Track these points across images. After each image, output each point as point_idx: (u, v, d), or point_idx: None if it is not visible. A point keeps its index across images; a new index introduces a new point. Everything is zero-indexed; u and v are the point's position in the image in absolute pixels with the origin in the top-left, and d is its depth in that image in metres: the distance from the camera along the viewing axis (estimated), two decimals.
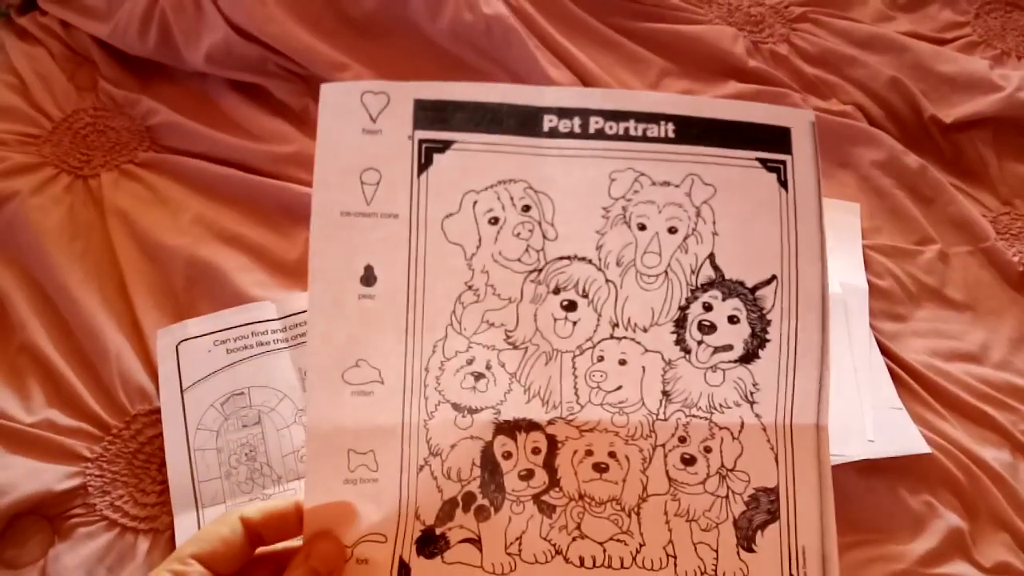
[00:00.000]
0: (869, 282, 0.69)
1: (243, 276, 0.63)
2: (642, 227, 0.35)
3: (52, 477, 0.53)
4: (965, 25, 0.89)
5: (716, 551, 0.34)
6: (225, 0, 0.74)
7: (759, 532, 0.34)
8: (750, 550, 0.34)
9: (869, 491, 0.57)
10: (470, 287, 0.34)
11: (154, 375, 0.58)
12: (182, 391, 0.56)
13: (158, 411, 0.56)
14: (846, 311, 0.65)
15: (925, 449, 0.58)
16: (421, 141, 0.34)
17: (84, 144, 0.72)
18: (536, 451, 0.34)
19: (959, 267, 0.72)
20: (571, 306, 0.35)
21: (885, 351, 0.65)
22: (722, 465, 0.35)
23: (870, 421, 0.58)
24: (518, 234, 0.35)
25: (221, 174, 0.70)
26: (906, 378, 0.63)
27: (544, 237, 0.35)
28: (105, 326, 0.60)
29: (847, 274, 0.68)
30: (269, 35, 0.74)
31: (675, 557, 0.34)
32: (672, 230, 0.35)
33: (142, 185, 0.70)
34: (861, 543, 0.55)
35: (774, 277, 0.35)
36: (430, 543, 0.34)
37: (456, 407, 0.34)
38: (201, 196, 0.69)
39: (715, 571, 0.34)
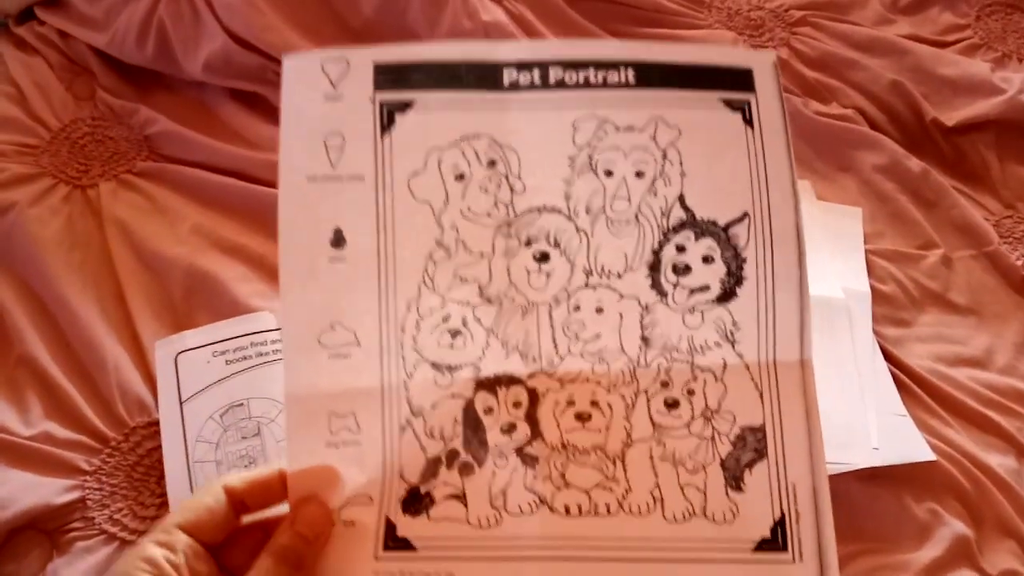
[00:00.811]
0: (872, 287, 0.68)
1: (242, 286, 0.63)
2: (609, 173, 0.35)
3: (50, 491, 0.53)
4: (966, 28, 0.89)
5: (704, 492, 0.34)
6: (223, 9, 0.74)
7: (747, 471, 0.34)
8: (739, 489, 0.34)
9: (873, 499, 0.57)
10: (441, 244, 0.35)
11: (153, 386, 0.58)
12: (181, 403, 0.56)
13: (157, 423, 0.56)
14: (849, 317, 0.64)
15: (930, 456, 0.57)
16: (382, 103, 0.35)
17: (82, 154, 0.72)
18: (517, 405, 0.34)
19: (962, 271, 0.72)
20: (544, 257, 0.35)
21: (889, 357, 0.64)
22: (706, 407, 0.34)
23: (874, 428, 0.58)
24: (485, 189, 0.35)
25: (220, 183, 0.70)
26: (910, 384, 0.63)
27: (512, 190, 0.35)
28: (103, 337, 0.60)
29: (850, 279, 0.68)
30: (267, 43, 0.74)
31: (662, 501, 0.34)
32: (639, 174, 0.35)
33: (140, 195, 0.69)
34: (866, 552, 0.55)
35: (746, 214, 0.34)
36: (416, 502, 0.34)
37: (435, 366, 0.34)
38: (199, 205, 0.69)
39: (704, 512, 0.34)
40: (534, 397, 0.35)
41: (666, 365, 0.34)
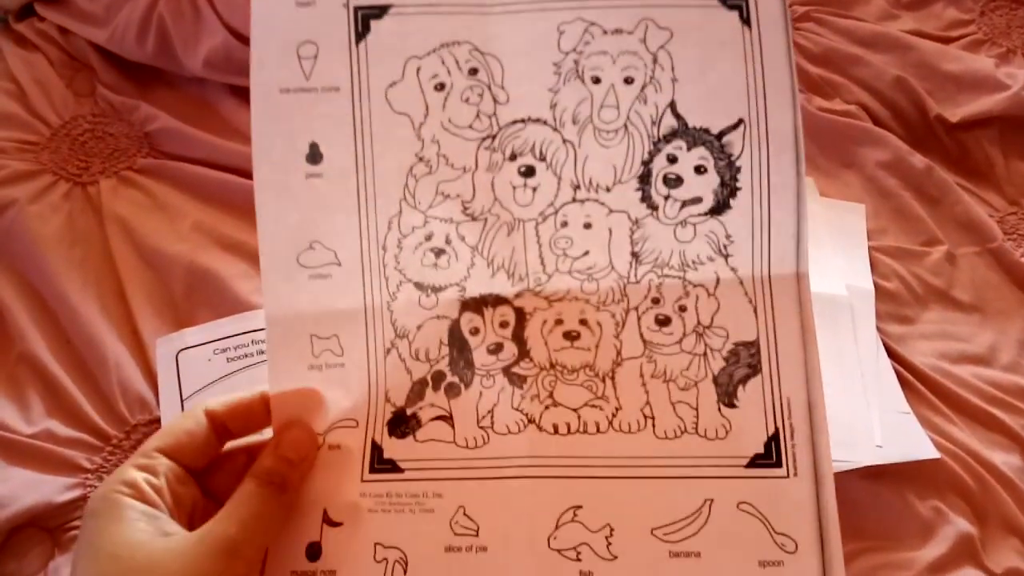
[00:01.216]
0: (875, 284, 0.68)
1: (243, 283, 0.63)
2: (596, 80, 0.33)
3: (52, 489, 0.53)
4: (970, 23, 0.88)
5: (696, 409, 0.33)
6: (223, 4, 0.74)
7: (740, 386, 0.33)
8: (732, 405, 0.33)
9: (876, 497, 0.56)
10: (421, 159, 0.33)
11: (154, 384, 0.58)
12: (182, 401, 0.55)
13: (158, 421, 0.56)
14: (852, 314, 0.64)
15: (934, 454, 0.57)
16: (356, 8, 0.33)
17: (83, 151, 0.72)
18: (504, 324, 0.34)
19: (966, 268, 0.72)
20: (529, 171, 0.33)
21: (892, 354, 0.64)
22: (698, 323, 0.33)
23: (878, 426, 0.57)
24: (467, 99, 0.34)
25: (220, 180, 0.69)
26: (913, 381, 0.63)
27: (495, 101, 0.33)
28: (104, 335, 0.60)
29: (853, 276, 0.67)
30: None
31: (653, 418, 0.33)
32: (628, 80, 0.33)
33: (141, 192, 0.69)
34: (868, 550, 0.55)
35: (741, 121, 0.33)
36: (401, 423, 0.33)
37: (419, 286, 0.33)
38: (200, 202, 0.69)
39: (696, 429, 0.33)
40: (521, 316, 0.34)
41: (657, 281, 0.33)
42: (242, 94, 0.76)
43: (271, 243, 0.33)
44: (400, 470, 0.33)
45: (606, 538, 0.33)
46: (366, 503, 0.33)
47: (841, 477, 0.55)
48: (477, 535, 0.33)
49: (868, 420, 0.58)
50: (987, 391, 0.63)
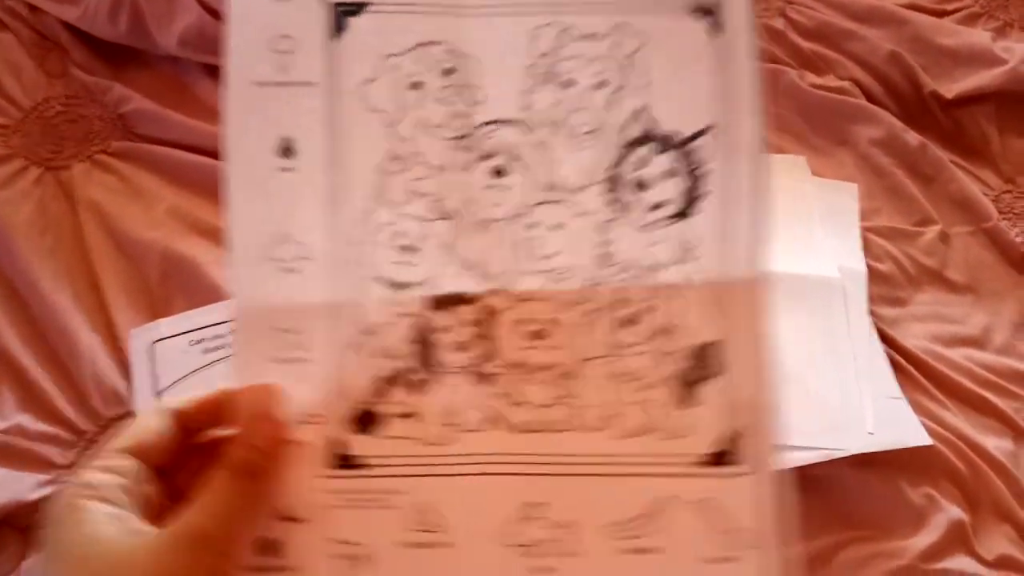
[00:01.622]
0: (868, 266, 0.67)
1: (219, 270, 0.61)
2: (569, 84, 0.34)
3: (24, 486, 0.51)
4: None
5: (657, 409, 0.34)
6: None
7: (700, 386, 0.33)
8: (691, 405, 0.33)
9: (867, 485, 0.56)
10: (395, 156, 0.34)
11: (128, 376, 0.56)
12: (158, 393, 0.54)
13: (133, 415, 0.54)
14: (845, 297, 0.63)
15: (926, 440, 0.56)
16: (335, 4, 0.33)
17: (55, 134, 0.70)
18: (472, 323, 0.34)
19: (960, 248, 0.70)
20: (501, 172, 0.34)
21: (885, 337, 0.63)
22: (663, 324, 0.34)
23: (870, 412, 0.57)
24: (442, 99, 0.34)
25: (196, 163, 0.67)
26: (906, 365, 0.62)
27: (469, 101, 0.34)
28: (78, 325, 0.58)
29: (845, 258, 0.66)
30: None
31: (615, 416, 0.34)
32: (600, 85, 0.34)
33: (115, 176, 0.67)
34: (860, 539, 0.54)
35: (709, 127, 0.33)
36: (367, 421, 0.33)
37: (388, 283, 0.34)
38: (176, 186, 0.67)
39: (657, 428, 0.34)
40: (490, 315, 0.34)
41: (624, 282, 0.34)
42: (218, 74, 0.73)
43: (241, 235, 0.33)
44: (364, 467, 0.33)
45: (568, 535, 0.33)
46: (328, 500, 0.33)
47: (831, 465, 0.54)
48: (440, 532, 0.33)
49: (860, 406, 0.57)
50: (980, 374, 0.62)
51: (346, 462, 0.34)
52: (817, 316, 0.61)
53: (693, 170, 0.34)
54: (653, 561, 0.33)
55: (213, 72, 0.74)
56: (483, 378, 0.34)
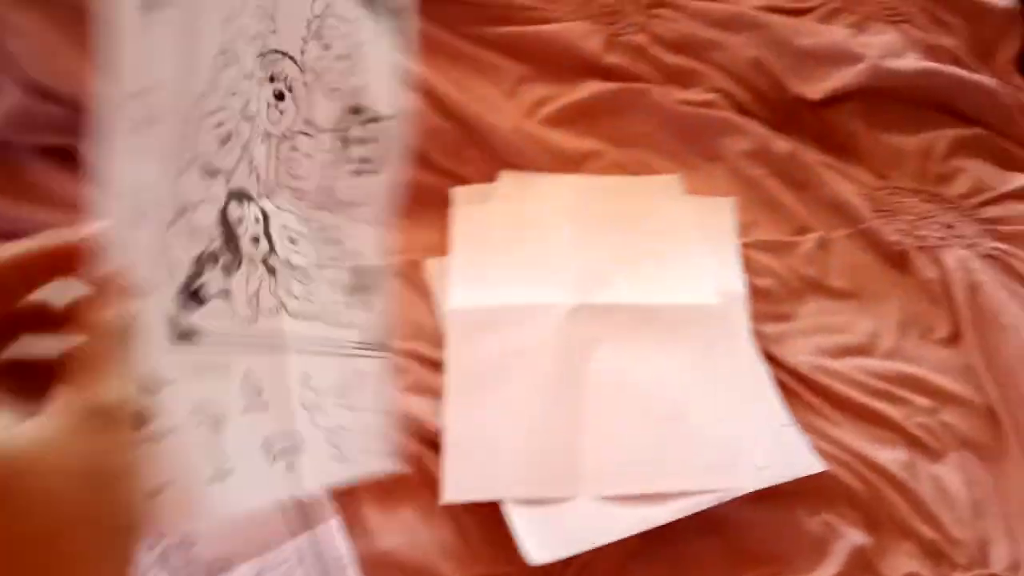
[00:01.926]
0: (750, 283, 0.65)
1: None
2: (327, 47, 0.39)
3: None
4: None
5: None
6: (16, 58, 0.66)
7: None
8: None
9: (764, 519, 0.54)
10: (224, 51, 0.36)
11: None
12: None
13: None
14: (725, 324, 0.61)
15: (820, 468, 0.54)
16: None
17: None
18: (258, 220, 0.38)
19: (839, 252, 0.70)
20: (280, 96, 0.38)
21: (770, 357, 0.61)
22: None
23: (760, 445, 0.55)
24: (255, 15, 0.37)
25: None
26: (794, 385, 0.60)
27: (270, 27, 0.37)
28: None
29: (724, 279, 0.64)
30: (70, 90, 0.66)
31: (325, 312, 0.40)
32: (342, 57, 0.39)
33: None
34: None
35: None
36: (190, 296, 0.36)
37: (204, 166, 0.36)
38: None
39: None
40: (266, 217, 0.38)
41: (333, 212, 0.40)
42: (51, 154, 0.69)
43: (108, 85, 0.33)
44: (193, 340, 0.36)
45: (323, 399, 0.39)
46: (169, 373, 0.34)
47: (724, 504, 0.52)
48: (261, 396, 0.38)
49: (749, 440, 0.55)
50: (869, 384, 0.61)
51: (177, 335, 0.35)
52: (697, 349, 0.59)
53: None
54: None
55: (46, 153, 0.68)
56: (270, 270, 0.38)
